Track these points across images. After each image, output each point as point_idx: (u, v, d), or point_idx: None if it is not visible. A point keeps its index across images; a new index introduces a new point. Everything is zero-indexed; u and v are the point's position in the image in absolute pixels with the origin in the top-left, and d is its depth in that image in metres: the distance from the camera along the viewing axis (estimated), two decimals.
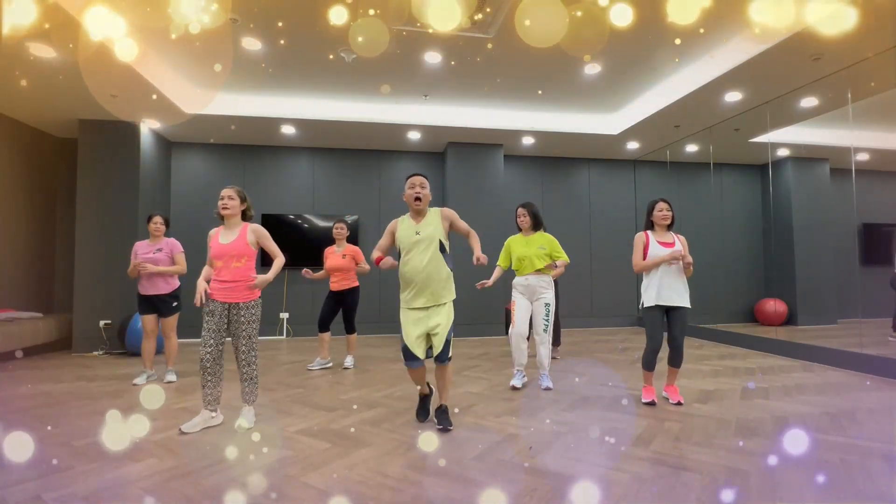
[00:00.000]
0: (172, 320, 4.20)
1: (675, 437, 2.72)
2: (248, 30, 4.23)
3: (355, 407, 3.35)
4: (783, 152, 7.36)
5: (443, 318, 2.80)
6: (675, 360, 3.42)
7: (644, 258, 3.41)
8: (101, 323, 5.74)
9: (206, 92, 5.63)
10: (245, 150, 7.07)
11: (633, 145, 7.28)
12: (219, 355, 2.89)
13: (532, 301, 3.88)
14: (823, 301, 7.17)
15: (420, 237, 2.80)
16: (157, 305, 4.15)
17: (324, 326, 4.71)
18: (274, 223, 6.93)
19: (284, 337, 6.92)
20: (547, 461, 2.38)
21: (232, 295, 2.91)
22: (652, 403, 3.34)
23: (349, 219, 7.07)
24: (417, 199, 2.83)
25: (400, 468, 2.30)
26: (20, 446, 2.56)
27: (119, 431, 2.82)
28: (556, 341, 5.23)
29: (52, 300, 6.45)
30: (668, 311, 3.41)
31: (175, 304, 4.21)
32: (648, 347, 3.42)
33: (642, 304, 3.43)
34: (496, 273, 3.91)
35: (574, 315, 7.78)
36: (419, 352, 2.80)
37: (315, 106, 5.96)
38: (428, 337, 2.83)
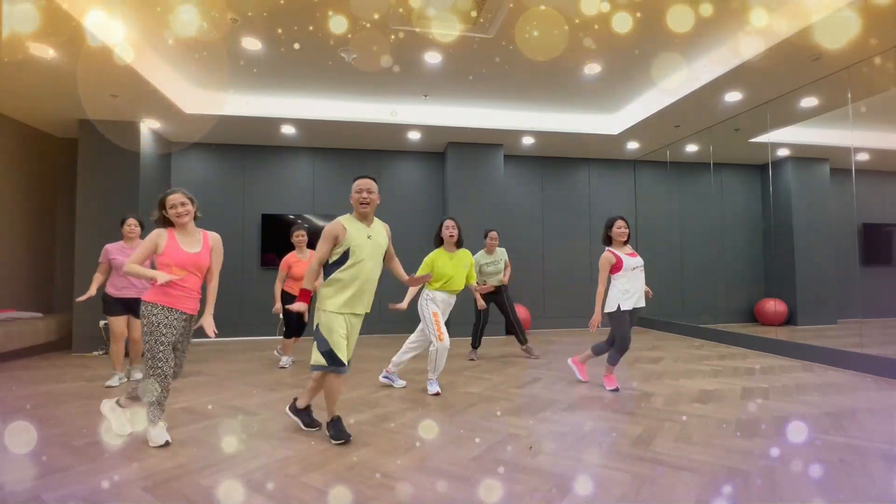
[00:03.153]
0: None
1: (675, 437, 2.72)
2: (249, 30, 4.23)
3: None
4: (783, 152, 7.36)
5: (359, 328, 2.80)
6: (618, 358, 3.82)
7: (619, 271, 3.73)
8: (101, 323, 5.73)
9: (213, 94, 5.63)
10: (245, 150, 7.07)
11: (633, 145, 7.28)
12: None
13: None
14: (823, 301, 7.17)
15: (372, 241, 2.73)
16: (133, 307, 4.11)
17: (297, 334, 4.88)
18: (274, 223, 6.94)
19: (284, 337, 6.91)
20: (547, 461, 2.38)
21: (193, 305, 2.74)
22: (615, 390, 3.75)
23: None
24: (364, 203, 2.72)
25: (400, 468, 2.31)
26: (20, 446, 2.57)
27: (119, 431, 2.81)
28: (524, 339, 5.28)
29: (52, 300, 6.45)
30: (630, 313, 3.77)
31: None
32: (621, 346, 3.73)
33: (618, 307, 3.70)
34: (412, 293, 3.86)
35: (573, 315, 7.78)
36: (346, 358, 2.66)
37: (315, 106, 5.96)
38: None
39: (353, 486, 2.11)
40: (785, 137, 6.71)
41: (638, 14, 3.97)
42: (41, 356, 5.48)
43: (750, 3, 3.87)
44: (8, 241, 5.74)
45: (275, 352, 5.32)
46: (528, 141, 6.98)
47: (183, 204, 2.75)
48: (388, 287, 7.04)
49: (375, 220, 2.82)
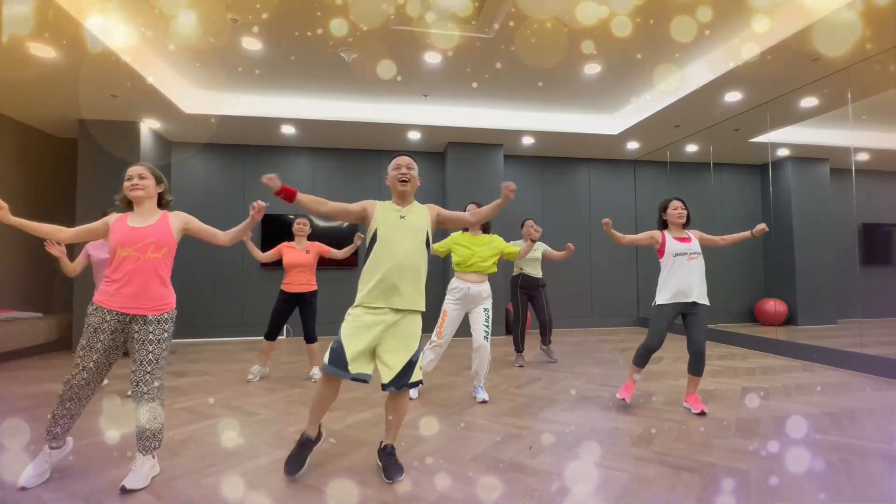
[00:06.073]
0: None
1: (675, 437, 2.72)
2: (248, 30, 4.23)
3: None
4: (783, 152, 7.37)
5: (414, 332, 2.23)
6: (697, 368, 3.13)
7: (661, 256, 3.23)
8: None
9: (213, 94, 5.64)
10: (245, 150, 7.07)
11: (633, 145, 7.28)
12: (96, 383, 2.16)
13: (470, 309, 3.55)
14: (823, 301, 7.18)
15: (406, 221, 2.25)
16: None
17: (275, 335, 4.18)
18: (274, 224, 6.94)
19: (284, 337, 6.92)
20: (547, 461, 2.38)
21: (137, 303, 2.13)
22: (623, 401, 3.25)
23: None
24: (404, 180, 2.29)
25: None
26: (20, 446, 2.56)
27: (119, 431, 2.81)
28: (547, 340, 5.11)
29: (52, 300, 6.45)
30: (685, 313, 3.15)
31: None
32: (646, 343, 3.17)
33: (654, 303, 3.20)
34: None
35: (574, 315, 7.78)
36: (360, 367, 2.13)
37: (315, 106, 5.97)
38: (374, 353, 2.19)
39: (354, 486, 2.10)
40: (785, 137, 6.71)
41: (638, 15, 3.97)
42: (41, 356, 5.48)
43: (750, 4, 3.88)
44: (8, 241, 5.74)
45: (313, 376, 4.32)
46: (528, 141, 6.98)
47: (141, 177, 2.23)
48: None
49: (416, 202, 2.37)
